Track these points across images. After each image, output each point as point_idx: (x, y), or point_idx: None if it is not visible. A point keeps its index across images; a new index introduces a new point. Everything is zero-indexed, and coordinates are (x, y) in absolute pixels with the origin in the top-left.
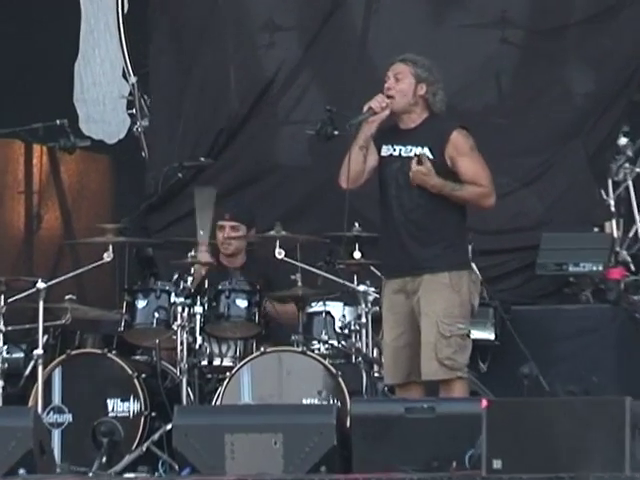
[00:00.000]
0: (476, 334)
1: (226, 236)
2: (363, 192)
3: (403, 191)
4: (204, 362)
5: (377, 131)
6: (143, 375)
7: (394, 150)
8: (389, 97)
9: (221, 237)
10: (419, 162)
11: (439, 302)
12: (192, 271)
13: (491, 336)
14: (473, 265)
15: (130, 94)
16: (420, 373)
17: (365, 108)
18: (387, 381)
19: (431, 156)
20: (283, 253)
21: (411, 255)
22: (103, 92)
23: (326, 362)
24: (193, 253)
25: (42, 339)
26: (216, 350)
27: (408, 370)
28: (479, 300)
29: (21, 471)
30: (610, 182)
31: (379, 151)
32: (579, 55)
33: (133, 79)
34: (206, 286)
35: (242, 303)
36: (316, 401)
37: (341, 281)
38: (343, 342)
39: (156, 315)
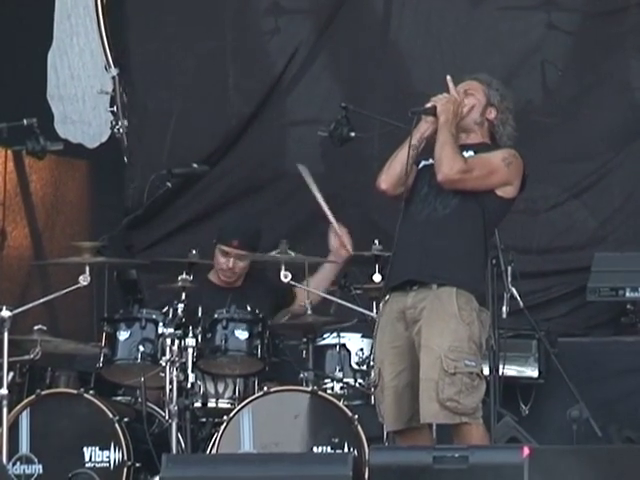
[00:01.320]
0: (517, 371)
1: (230, 266)
2: (385, 204)
3: (430, 192)
4: (197, 404)
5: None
6: (126, 419)
7: (427, 160)
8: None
9: (223, 264)
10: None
11: (445, 335)
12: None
13: (534, 373)
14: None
15: (113, 89)
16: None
17: (430, 103)
18: (388, 428)
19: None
20: (290, 276)
21: (422, 259)
22: (82, 87)
23: (341, 404)
24: (184, 276)
25: (7, 377)
26: (211, 390)
27: (410, 413)
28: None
29: None
30: None
31: (418, 166)
32: (636, 42)
33: (114, 71)
34: (199, 314)
35: (242, 334)
36: (329, 449)
37: (358, 309)
38: (361, 380)
39: (141, 349)
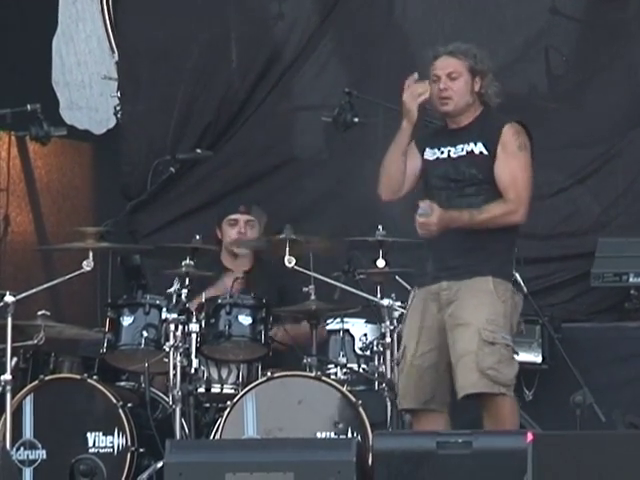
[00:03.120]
0: (521, 356)
1: (242, 231)
2: None
3: (453, 192)
4: (201, 389)
5: (419, 134)
6: (129, 404)
7: (441, 153)
8: (445, 98)
9: (235, 233)
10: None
11: (482, 308)
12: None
13: (538, 358)
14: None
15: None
16: (442, 401)
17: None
18: (403, 405)
19: (486, 152)
20: (294, 261)
21: (454, 261)
22: (89, 74)
23: (344, 389)
24: (188, 261)
25: (10, 362)
26: (215, 375)
27: (430, 395)
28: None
29: None
30: None
31: (422, 155)
32: None
33: (116, 56)
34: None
35: (246, 320)
36: (333, 435)
37: (362, 294)
38: (364, 366)
39: (145, 334)
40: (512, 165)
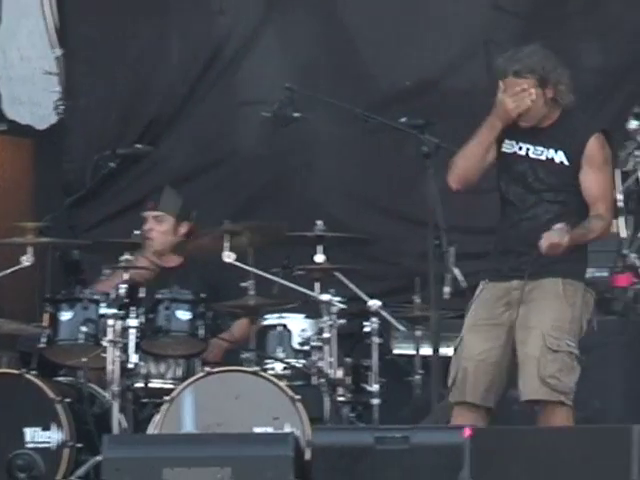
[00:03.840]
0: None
1: (147, 228)
2: (328, 185)
3: (531, 195)
4: (139, 384)
5: None
6: (67, 399)
7: (519, 148)
8: (524, 114)
9: (144, 230)
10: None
11: (548, 313)
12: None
13: None
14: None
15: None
16: (496, 399)
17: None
18: (459, 398)
19: (567, 162)
20: (233, 256)
21: (525, 259)
22: (32, 69)
23: (282, 384)
24: (128, 256)
25: None
26: (153, 370)
27: (489, 392)
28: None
29: None
30: (618, 173)
31: (499, 145)
32: (584, 24)
33: (58, 52)
34: (141, 294)
35: (184, 315)
36: (271, 430)
37: (301, 289)
38: (302, 361)
39: (83, 329)
40: (600, 179)
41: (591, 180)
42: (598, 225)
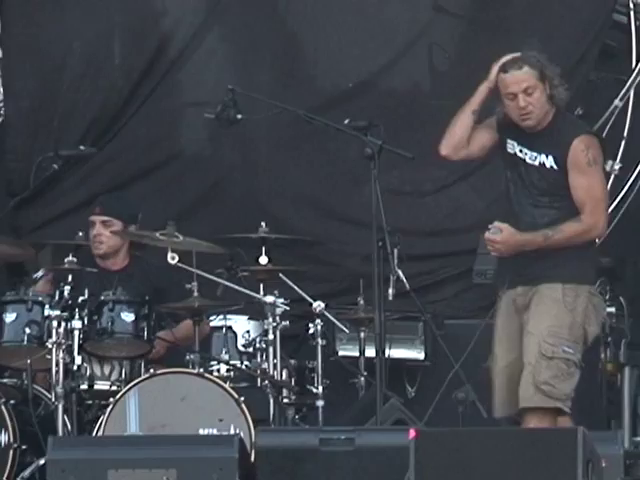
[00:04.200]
0: (403, 353)
1: (95, 233)
2: (271, 186)
3: (528, 199)
4: (84, 386)
5: (506, 120)
6: (12, 401)
7: (520, 151)
8: (527, 114)
9: (92, 234)
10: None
11: (545, 318)
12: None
13: (420, 355)
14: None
15: None
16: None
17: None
18: (499, 414)
19: (556, 167)
20: (177, 258)
21: (527, 264)
22: None
23: (227, 386)
24: (71, 258)
25: None
26: (98, 372)
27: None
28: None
29: None
30: None
31: (504, 144)
32: (527, 24)
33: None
34: (85, 296)
35: (128, 317)
36: (216, 431)
37: (245, 291)
38: (247, 362)
39: (27, 331)
40: (583, 182)
41: (575, 184)
42: (571, 228)
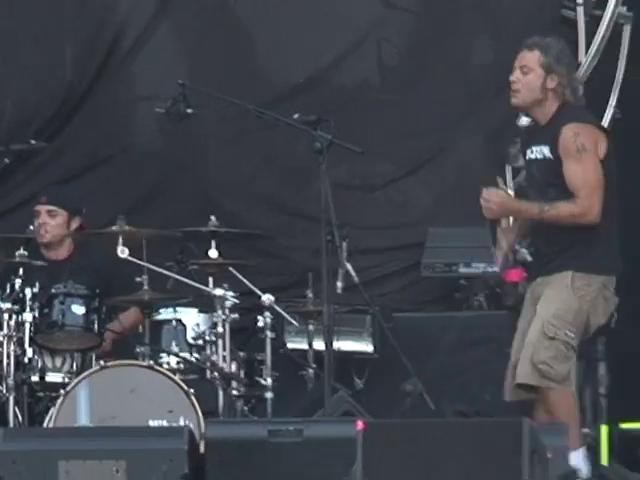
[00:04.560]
0: (352, 346)
1: (40, 222)
2: (221, 180)
3: (538, 194)
4: (35, 378)
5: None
6: None
7: (531, 152)
8: (514, 91)
9: (37, 224)
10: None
11: (553, 302)
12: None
13: (369, 348)
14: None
15: None
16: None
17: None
18: (507, 398)
19: (551, 156)
20: (127, 251)
21: (545, 257)
22: None
23: (176, 378)
24: (22, 251)
25: None
26: (49, 364)
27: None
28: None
29: None
30: (509, 169)
31: (524, 155)
32: (476, 19)
33: None
34: (36, 289)
35: (79, 310)
36: (165, 423)
37: (194, 284)
38: (196, 355)
39: None
40: (575, 169)
41: (568, 171)
42: (566, 207)
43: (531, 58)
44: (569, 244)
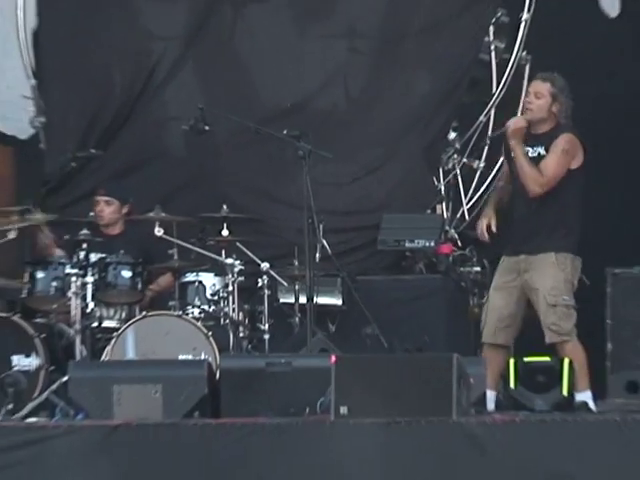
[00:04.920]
0: (326, 300)
1: (99, 209)
2: (230, 178)
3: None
4: (95, 324)
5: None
6: (43, 335)
7: (527, 151)
8: (528, 109)
9: (96, 210)
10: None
11: (547, 278)
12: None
13: (339, 302)
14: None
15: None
16: (509, 339)
17: (503, 129)
18: (484, 339)
19: (545, 153)
20: (162, 231)
21: (529, 238)
22: (16, 95)
23: (199, 324)
24: (85, 231)
25: None
26: (105, 314)
27: (501, 334)
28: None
29: None
30: (441, 170)
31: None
32: (418, 60)
33: (33, 82)
34: (95, 259)
35: (127, 274)
36: (190, 357)
37: (211, 255)
38: (213, 307)
39: (53, 284)
40: (554, 159)
41: (549, 158)
42: (536, 172)
43: (543, 87)
44: (550, 231)
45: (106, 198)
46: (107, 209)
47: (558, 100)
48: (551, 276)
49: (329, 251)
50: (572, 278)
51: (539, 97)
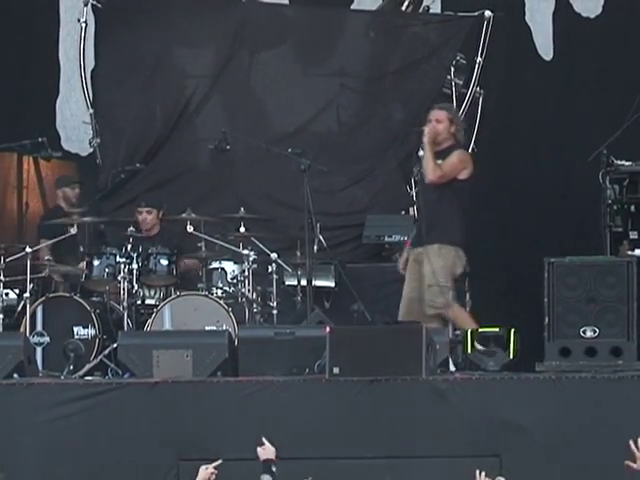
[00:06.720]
0: (321, 282)
1: (142, 218)
2: (246, 187)
3: (422, 185)
4: (139, 302)
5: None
6: (97, 311)
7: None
8: (430, 132)
9: (140, 219)
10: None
11: (431, 265)
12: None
13: (332, 284)
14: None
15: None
16: (421, 316)
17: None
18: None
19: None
20: (192, 228)
21: (421, 233)
22: (78, 121)
23: (221, 302)
24: (131, 229)
25: (29, 286)
26: (147, 294)
27: (416, 313)
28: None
29: (15, 375)
30: (412, 181)
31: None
32: (394, 94)
33: (91, 111)
34: (139, 251)
35: (164, 262)
36: (215, 328)
37: (231, 247)
38: (233, 288)
39: (106, 270)
40: (450, 159)
41: (449, 160)
42: (435, 165)
43: (442, 115)
44: (433, 225)
45: (147, 208)
46: (149, 217)
47: (454, 123)
48: (434, 263)
49: (324, 244)
50: (453, 266)
51: (439, 122)
